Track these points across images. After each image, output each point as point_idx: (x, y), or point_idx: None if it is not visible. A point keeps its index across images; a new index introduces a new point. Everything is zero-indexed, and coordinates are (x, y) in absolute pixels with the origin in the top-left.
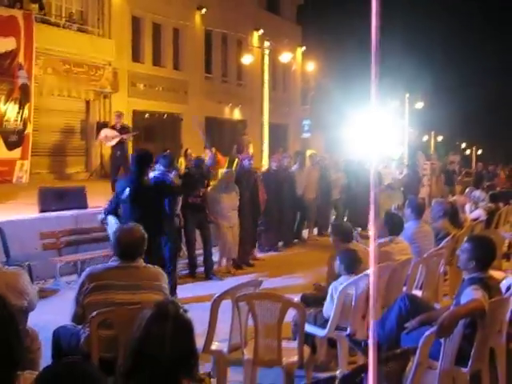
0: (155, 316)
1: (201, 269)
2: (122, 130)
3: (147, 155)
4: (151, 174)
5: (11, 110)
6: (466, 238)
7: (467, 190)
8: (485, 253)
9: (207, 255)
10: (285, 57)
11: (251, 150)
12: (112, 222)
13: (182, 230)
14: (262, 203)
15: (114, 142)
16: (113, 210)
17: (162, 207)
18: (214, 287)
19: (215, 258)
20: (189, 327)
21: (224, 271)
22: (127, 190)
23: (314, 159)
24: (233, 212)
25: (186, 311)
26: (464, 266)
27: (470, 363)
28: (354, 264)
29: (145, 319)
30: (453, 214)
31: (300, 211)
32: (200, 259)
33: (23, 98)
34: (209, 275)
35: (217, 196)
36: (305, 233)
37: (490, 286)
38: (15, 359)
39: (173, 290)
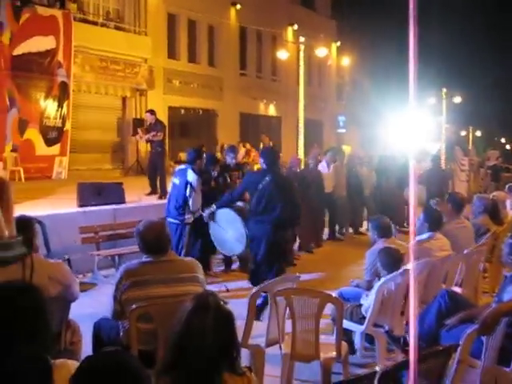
0: (196, 308)
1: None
2: (155, 126)
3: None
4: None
5: (51, 108)
6: (510, 234)
7: (507, 185)
8: None
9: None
10: (320, 52)
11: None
12: (231, 214)
13: None
14: None
15: (143, 140)
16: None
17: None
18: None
19: None
20: (230, 319)
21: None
22: (266, 180)
23: (340, 156)
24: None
25: (226, 303)
26: (506, 262)
27: None
28: (394, 263)
29: (186, 312)
30: (493, 211)
31: (329, 209)
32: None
33: (62, 95)
34: (243, 267)
35: None
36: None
37: None
38: (46, 347)
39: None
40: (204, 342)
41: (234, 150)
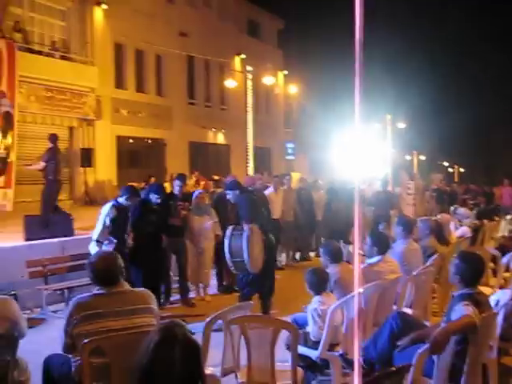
0: (163, 340)
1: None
2: (45, 154)
3: None
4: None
5: None
6: (455, 255)
7: (452, 207)
8: (473, 269)
9: (184, 280)
10: (267, 81)
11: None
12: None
13: None
14: None
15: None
16: None
17: None
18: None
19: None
20: (197, 349)
21: (198, 299)
22: None
23: (284, 181)
24: (201, 237)
25: (192, 333)
26: (452, 281)
27: (463, 380)
28: (321, 283)
29: (152, 343)
30: (438, 232)
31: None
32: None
33: (6, 125)
34: (184, 300)
35: (188, 219)
36: (283, 257)
37: (479, 302)
38: None
39: None
40: (172, 373)
41: (180, 178)
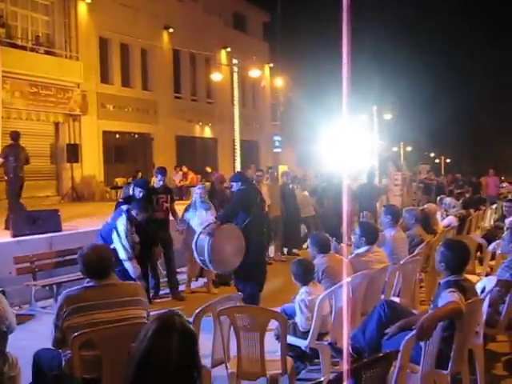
0: (161, 328)
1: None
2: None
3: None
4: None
5: None
6: (440, 243)
7: (438, 197)
8: (458, 256)
9: (173, 274)
10: (253, 73)
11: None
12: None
13: None
14: None
15: None
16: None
17: None
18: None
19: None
20: (194, 339)
21: (203, 291)
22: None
23: (267, 175)
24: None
25: (190, 323)
26: (438, 269)
27: (450, 365)
28: (307, 274)
29: (150, 331)
30: (424, 221)
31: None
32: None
33: None
34: (174, 294)
35: (188, 214)
36: (271, 250)
37: (465, 288)
38: None
39: None
40: (168, 362)
41: (161, 172)
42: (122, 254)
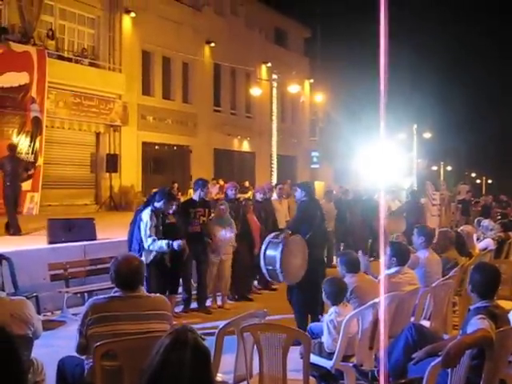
0: (174, 343)
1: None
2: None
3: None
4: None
5: (23, 143)
6: (471, 267)
7: (476, 219)
8: (487, 280)
9: (202, 287)
10: (293, 89)
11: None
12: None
13: None
14: (256, 232)
15: None
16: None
17: None
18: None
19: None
20: (207, 355)
21: (215, 307)
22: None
23: (281, 191)
24: (224, 246)
25: (203, 339)
26: (469, 294)
27: None
28: (339, 294)
29: (163, 346)
30: (460, 244)
31: None
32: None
33: (35, 130)
34: (202, 307)
35: (210, 228)
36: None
37: (496, 315)
38: None
39: None
40: (181, 378)
41: (200, 184)
42: (148, 242)
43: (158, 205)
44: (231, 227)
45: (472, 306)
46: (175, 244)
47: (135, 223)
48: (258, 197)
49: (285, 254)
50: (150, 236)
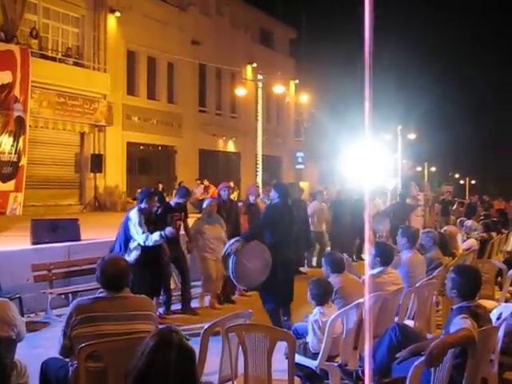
0: (159, 345)
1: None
2: None
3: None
4: None
5: (6, 143)
6: (451, 268)
7: (459, 220)
8: (469, 282)
9: (187, 288)
10: (278, 89)
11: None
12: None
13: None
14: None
15: None
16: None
17: None
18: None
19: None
20: (192, 356)
21: (208, 307)
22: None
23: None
24: (218, 244)
25: (188, 339)
26: (450, 296)
27: None
28: (324, 295)
29: (148, 347)
30: (443, 244)
31: None
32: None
33: (18, 130)
34: (187, 309)
35: (200, 227)
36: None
37: (478, 315)
38: None
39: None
40: (165, 379)
41: (181, 193)
42: (142, 238)
43: (142, 205)
44: (221, 224)
45: (454, 305)
46: (167, 231)
47: (122, 225)
48: (251, 199)
49: (237, 263)
50: (142, 232)
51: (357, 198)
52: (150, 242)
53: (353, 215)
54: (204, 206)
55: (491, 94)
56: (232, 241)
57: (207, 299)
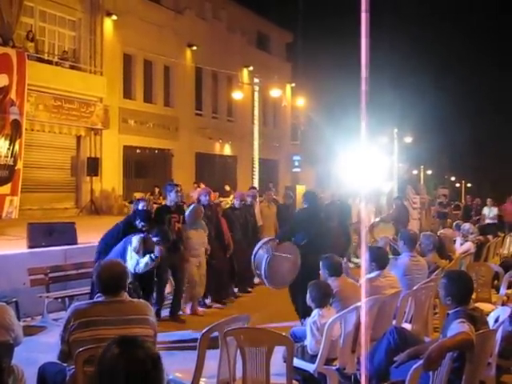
0: (123, 351)
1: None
2: None
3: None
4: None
5: (1, 146)
6: (442, 274)
7: (455, 223)
8: (461, 287)
9: (178, 297)
10: (274, 93)
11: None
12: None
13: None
14: (227, 236)
15: None
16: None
17: None
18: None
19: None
20: (158, 360)
21: (190, 314)
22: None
23: (268, 196)
24: (201, 249)
25: (151, 344)
26: (445, 303)
27: None
28: (324, 298)
29: (109, 353)
30: (440, 247)
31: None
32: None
33: (14, 133)
34: (175, 317)
35: (185, 233)
36: None
37: (475, 318)
38: None
39: None
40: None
41: (172, 189)
42: (134, 266)
43: (137, 224)
44: (204, 229)
45: (450, 310)
46: (156, 253)
47: (121, 244)
48: (236, 203)
49: (270, 262)
50: (137, 264)
51: (328, 202)
52: (140, 269)
53: (340, 219)
54: (188, 211)
55: (487, 97)
56: (265, 239)
57: (189, 306)
